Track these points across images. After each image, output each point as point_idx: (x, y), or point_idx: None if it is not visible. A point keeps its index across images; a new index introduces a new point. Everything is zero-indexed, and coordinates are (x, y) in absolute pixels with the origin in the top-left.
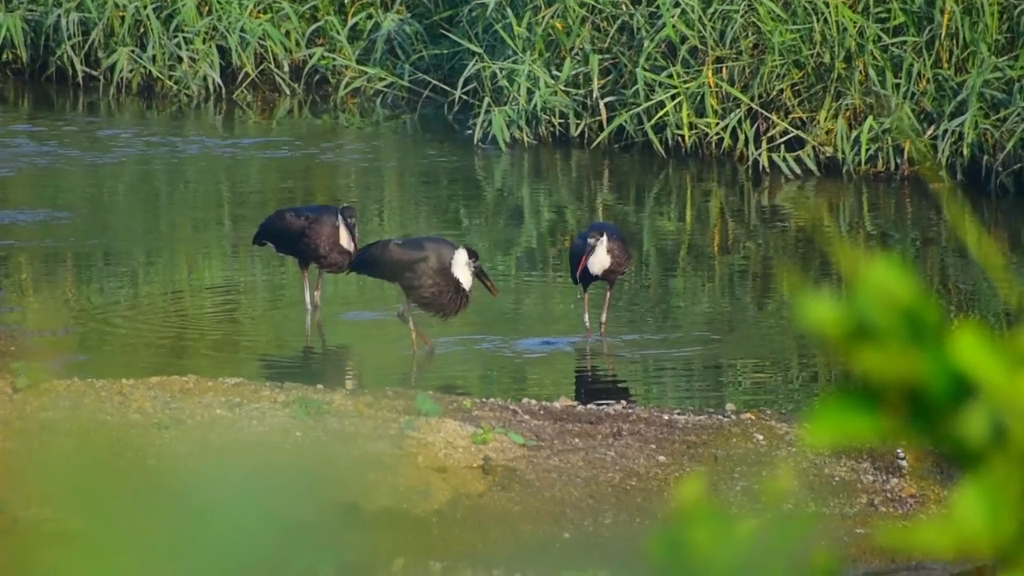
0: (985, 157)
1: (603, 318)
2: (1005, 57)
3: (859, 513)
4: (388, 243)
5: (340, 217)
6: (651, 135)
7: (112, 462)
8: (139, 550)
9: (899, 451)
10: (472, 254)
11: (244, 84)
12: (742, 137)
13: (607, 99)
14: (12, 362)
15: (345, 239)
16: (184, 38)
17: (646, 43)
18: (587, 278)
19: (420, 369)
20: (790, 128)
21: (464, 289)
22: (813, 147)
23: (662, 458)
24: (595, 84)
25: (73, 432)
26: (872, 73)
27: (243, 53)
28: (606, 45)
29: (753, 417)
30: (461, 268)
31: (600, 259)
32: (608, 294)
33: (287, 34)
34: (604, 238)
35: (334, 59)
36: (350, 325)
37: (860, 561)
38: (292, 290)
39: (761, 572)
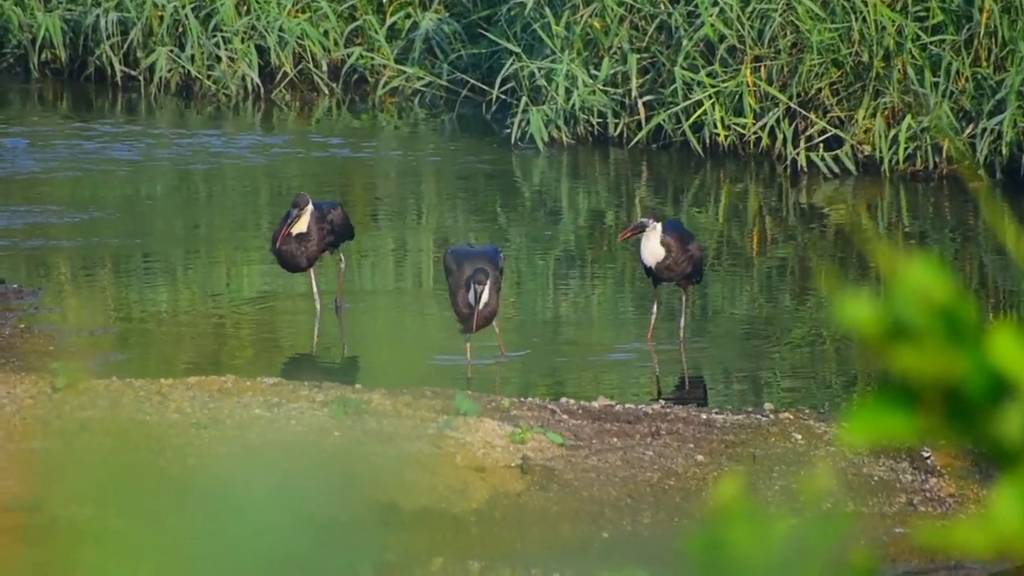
0: None
1: (681, 323)
2: None
3: (898, 512)
4: (449, 249)
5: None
6: (689, 134)
7: (151, 462)
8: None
9: (924, 450)
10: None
11: (282, 83)
12: (780, 136)
13: (645, 98)
14: (51, 362)
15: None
16: (223, 37)
17: (684, 42)
18: (649, 273)
19: (458, 369)
20: (828, 127)
21: (473, 308)
22: (851, 146)
23: (700, 457)
24: (633, 83)
25: (112, 431)
26: (911, 72)
27: (282, 52)
28: (644, 44)
29: (791, 416)
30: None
31: (653, 249)
32: (683, 299)
33: (325, 33)
34: (659, 225)
35: (372, 58)
36: (388, 326)
37: (899, 560)
38: (330, 290)
39: (799, 572)
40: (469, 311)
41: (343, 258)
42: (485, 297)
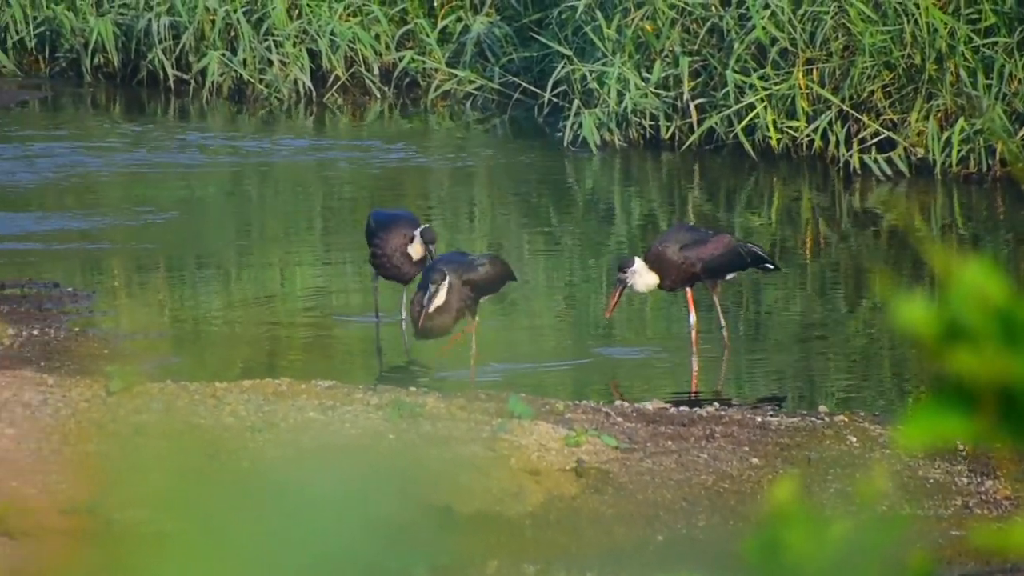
0: None
1: (722, 322)
2: None
3: (954, 515)
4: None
5: (419, 236)
6: (741, 137)
7: (206, 465)
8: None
9: (960, 445)
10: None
11: (334, 87)
12: (833, 139)
13: (697, 101)
14: (106, 365)
15: (417, 253)
16: (275, 41)
17: (736, 45)
18: (672, 290)
19: (512, 371)
20: (881, 129)
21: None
22: (904, 148)
23: (755, 460)
24: (685, 86)
25: (167, 435)
26: (963, 74)
27: (333, 56)
28: (696, 47)
29: (846, 419)
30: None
31: (647, 282)
32: (713, 296)
33: (377, 37)
34: (635, 265)
35: (424, 62)
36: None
37: (955, 563)
38: (384, 293)
39: (856, 574)
40: (419, 311)
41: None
42: (439, 300)
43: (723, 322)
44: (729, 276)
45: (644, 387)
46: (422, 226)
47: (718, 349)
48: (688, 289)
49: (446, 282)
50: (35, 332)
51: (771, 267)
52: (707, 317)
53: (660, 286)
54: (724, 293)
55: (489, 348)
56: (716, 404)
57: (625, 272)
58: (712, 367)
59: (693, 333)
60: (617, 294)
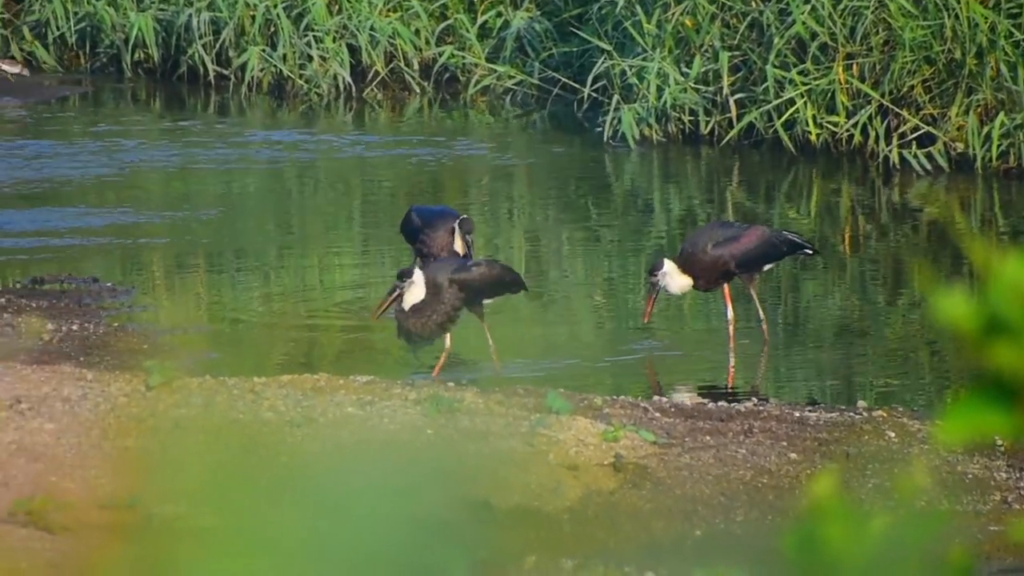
0: None
1: (760, 315)
2: None
3: (993, 510)
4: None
5: (458, 227)
6: (781, 132)
7: (245, 460)
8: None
9: (999, 440)
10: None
11: (374, 83)
12: (872, 134)
13: (737, 96)
14: (145, 360)
15: (459, 247)
16: (314, 37)
17: (776, 40)
18: (708, 289)
19: (550, 367)
20: (921, 124)
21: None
22: (944, 143)
23: (793, 455)
24: (725, 81)
25: (206, 429)
26: (1004, 69)
27: (373, 52)
28: (736, 42)
29: (885, 414)
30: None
31: (681, 285)
32: (751, 290)
33: (417, 32)
34: (664, 267)
35: (464, 57)
36: (479, 324)
37: (994, 558)
38: None
39: (895, 569)
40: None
41: None
42: (410, 299)
43: (762, 315)
44: (767, 267)
45: (682, 382)
46: (460, 216)
47: (756, 344)
48: (725, 285)
49: (410, 282)
50: (74, 327)
51: (810, 252)
52: (746, 311)
53: (695, 287)
54: (762, 287)
55: (528, 343)
56: (754, 399)
57: (655, 275)
58: (750, 362)
59: (731, 328)
60: (652, 299)
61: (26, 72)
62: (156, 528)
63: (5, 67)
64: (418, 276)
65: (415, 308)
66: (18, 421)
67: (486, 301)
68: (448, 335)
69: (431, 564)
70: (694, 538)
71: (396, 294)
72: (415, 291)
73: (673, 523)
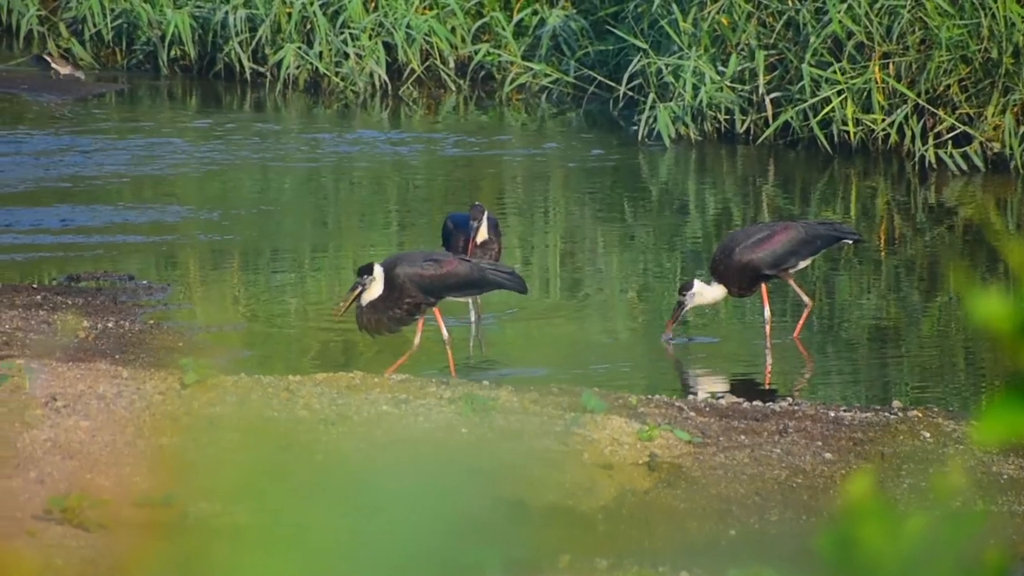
0: None
1: (805, 300)
2: None
3: None
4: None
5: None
6: (817, 131)
7: (279, 457)
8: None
9: None
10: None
11: (410, 80)
12: (908, 133)
13: (773, 95)
14: (180, 358)
15: (481, 236)
16: (350, 34)
17: (812, 39)
18: (744, 295)
19: (585, 366)
20: (957, 124)
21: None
22: (980, 143)
23: (828, 455)
24: (761, 80)
25: (240, 427)
26: None
27: (409, 49)
28: (772, 41)
29: (920, 414)
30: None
31: (715, 295)
32: (789, 281)
33: (453, 30)
34: (695, 287)
35: (499, 55)
36: (515, 322)
37: None
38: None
39: (930, 570)
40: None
41: None
42: (370, 295)
43: (806, 299)
44: (803, 264)
45: (717, 381)
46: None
47: (792, 344)
48: (763, 285)
49: (370, 278)
50: (110, 325)
51: (851, 242)
52: (782, 309)
53: (731, 294)
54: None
55: (562, 342)
56: (789, 399)
57: (684, 295)
58: (786, 361)
59: (767, 327)
60: (676, 316)
61: (80, 75)
62: (191, 526)
63: (57, 66)
64: (378, 272)
65: (372, 304)
66: (53, 418)
67: (453, 298)
68: (418, 333)
69: (466, 562)
70: (729, 538)
71: (358, 290)
72: (375, 287)
73: (708, 523)
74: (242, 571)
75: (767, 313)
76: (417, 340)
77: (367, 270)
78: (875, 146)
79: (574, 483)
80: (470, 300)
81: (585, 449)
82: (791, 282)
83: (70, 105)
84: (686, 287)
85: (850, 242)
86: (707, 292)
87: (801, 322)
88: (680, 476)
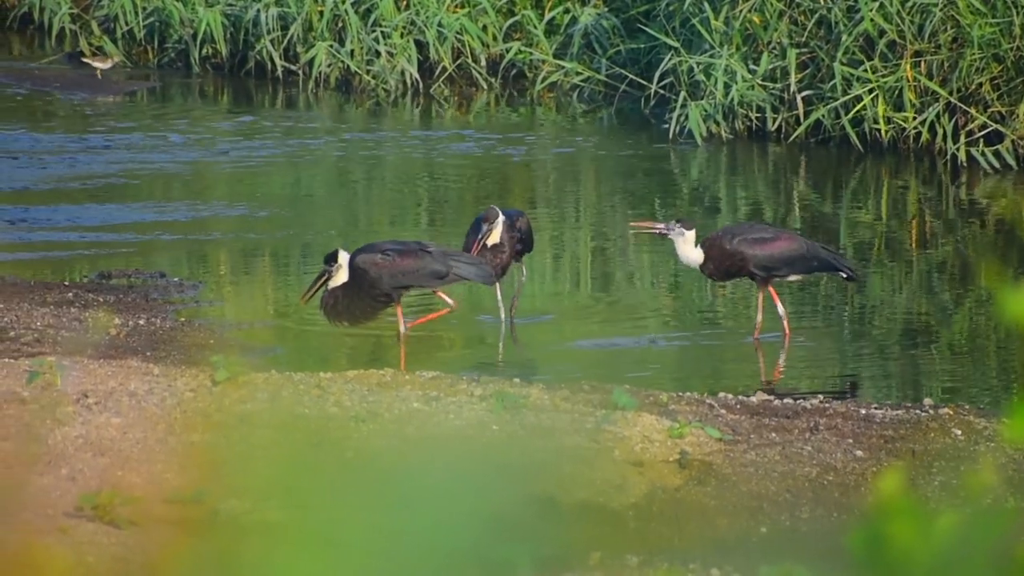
0: None
1: (759, 319)
2: None
3: None
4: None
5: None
6: (848, 129)
7: (310, 455)
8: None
9: None
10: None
11: (441, 79)
12: (940, 131)
13: (804, 93)
14: (211, 355)
15: (494, 239)
16: (382, 33)
17: (844, 37)
18: (714, 278)
19: (616, 363)
20: (989, 122)
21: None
22: (1012, 141)
23: (859, 453)
24: (792, 78)
25: (272, 425)
26: None
27: (440, 48)
28: (803, 39)
29: (951, 412)
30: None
31: (688, 253)
32: (768, 290)
33: (484, 28)
34: (687, 233)
35: (531, 53)
36: (545, 321)
37: None
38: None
39: (962, 567)
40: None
41: (525, 270)
42: (329, 286)
43: (760, 319)
44: (792, 278)
45: (748, 379)
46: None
47: (824, 341)
48: (770, 288)
49: (337, 266)
50: (141, 322)
51: (845, 276)
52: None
53: (703, 268)
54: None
55: (594, 339)
56: (820, 396)
57: (674, 228)
58: (816, 359)
59: (784, 322)
60: (653, 228)
61: (115, 61)
62: (221, 523)
63: (96, 64)
64: (343, 259)
65: (332, 292)
66: (85, 415)
67: (406, 288)
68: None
69: (496, 559)
70: (759, 535)
71: (324, 278)
72: (340, 275)
73: (738, 520)
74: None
75: (781, 310)
76: (402, 327)
77: (332, 258)
78: (906, 144)
79: (605, 480)
80: (500, 297)
81: (616, 446)
82: (771, 290)
83: (102, 103)
84: (686, 224)
85: (844, 276)
86: (689, 246)
87: (789, 328)
88: (711, 473)
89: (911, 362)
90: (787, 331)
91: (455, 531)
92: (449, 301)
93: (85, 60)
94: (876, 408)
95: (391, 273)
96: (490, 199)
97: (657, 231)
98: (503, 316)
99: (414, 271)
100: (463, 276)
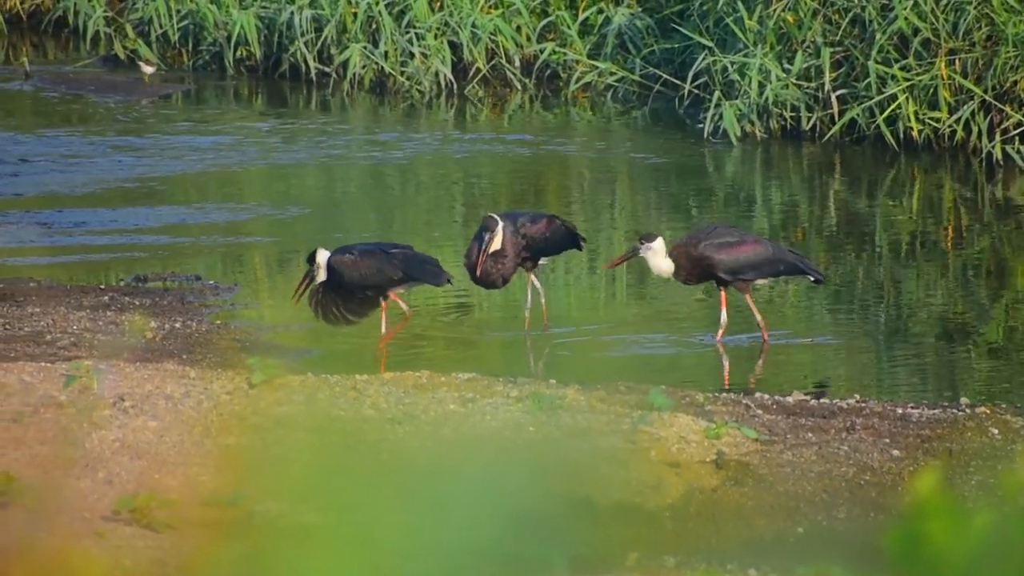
0: None
1: (759, 321)
2: None
3: None
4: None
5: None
6: (883, 128)
7: (346, 457)
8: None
9: None
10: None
11: (475, 79)
12: (975, 129)
13: (839, 92)
14: (247, 357)
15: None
16: (416, 34)
17: (878, 35)
18: (688, 283)
19: (652, 363)
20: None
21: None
22: None
23: (896, 452)
24: (827, 77)
25: (308, 427)
26: None
27: (474, 48)
28: (838, 38)
29: (988, 411)
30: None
31: (659, 264)
32: (746, 297)
33: (518, 29)
34: (655, 245)
35: (565, 54)
36: (580, 321)
37: None
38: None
39: (999, 566)
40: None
41: (538, 284)
42: (316, 280)
43: (760, 320)
44: (760, 281)
45: (784, 379)
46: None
47: (860, 340)
48: (722, 291)
49: (317, 265)
50: (177, 325)
51: (813, 280)
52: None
53: (675, 275)
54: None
55: (629, 341)
56: (857, 396)
57: (642, 244)
58: (853, 358)
59: (720, 331)
60: (625, 258)
61: (157, 67)
62: (258, 525)
63: (147, 68)
64: (321, 258)
65: (315, 291)
66: (121, 419)
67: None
68: (403, 305)
69: (533, 559)
70: (796, 535)
71: (309, 278)
72: (320, 274)
73: (775, 520)
74: (309, 571)
75: (723, 318)
76: (405, 308)
77: (311, 258)
78: (941, 143)
79: (641, 481)
80: (532, 278)
81: (652, 447)
82: (748, 298)
83: (137, 106)
84: (648, 238)
85: (811, 279)
86: (660, 257)
87: (767, 334)
88: (747, 474)
89: (947, 361)
90: (720, 338)
91: (491, 531)
92: (404, 307)
93: (139, 63)
94: (912, 407)
95: (357, 273)
96: (525, 200)
97: (630, 255)
98: (530, 295)
99: (373, 272)
100: (416, 278)
